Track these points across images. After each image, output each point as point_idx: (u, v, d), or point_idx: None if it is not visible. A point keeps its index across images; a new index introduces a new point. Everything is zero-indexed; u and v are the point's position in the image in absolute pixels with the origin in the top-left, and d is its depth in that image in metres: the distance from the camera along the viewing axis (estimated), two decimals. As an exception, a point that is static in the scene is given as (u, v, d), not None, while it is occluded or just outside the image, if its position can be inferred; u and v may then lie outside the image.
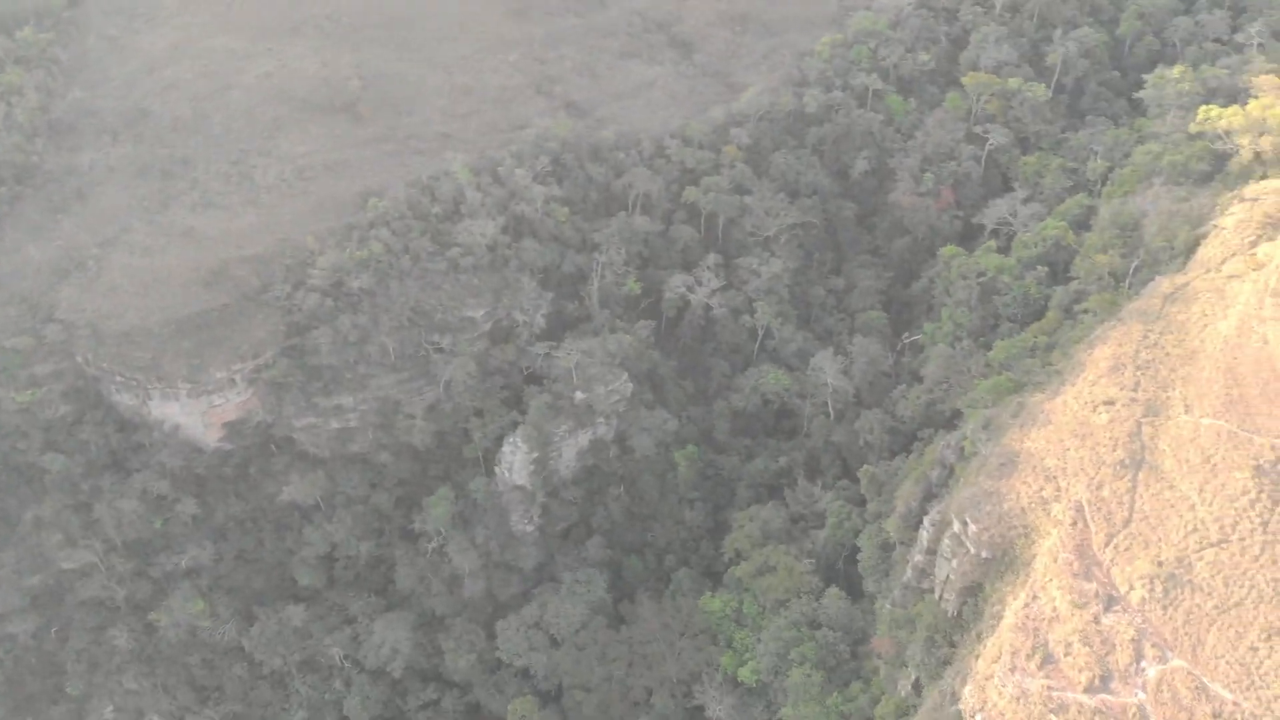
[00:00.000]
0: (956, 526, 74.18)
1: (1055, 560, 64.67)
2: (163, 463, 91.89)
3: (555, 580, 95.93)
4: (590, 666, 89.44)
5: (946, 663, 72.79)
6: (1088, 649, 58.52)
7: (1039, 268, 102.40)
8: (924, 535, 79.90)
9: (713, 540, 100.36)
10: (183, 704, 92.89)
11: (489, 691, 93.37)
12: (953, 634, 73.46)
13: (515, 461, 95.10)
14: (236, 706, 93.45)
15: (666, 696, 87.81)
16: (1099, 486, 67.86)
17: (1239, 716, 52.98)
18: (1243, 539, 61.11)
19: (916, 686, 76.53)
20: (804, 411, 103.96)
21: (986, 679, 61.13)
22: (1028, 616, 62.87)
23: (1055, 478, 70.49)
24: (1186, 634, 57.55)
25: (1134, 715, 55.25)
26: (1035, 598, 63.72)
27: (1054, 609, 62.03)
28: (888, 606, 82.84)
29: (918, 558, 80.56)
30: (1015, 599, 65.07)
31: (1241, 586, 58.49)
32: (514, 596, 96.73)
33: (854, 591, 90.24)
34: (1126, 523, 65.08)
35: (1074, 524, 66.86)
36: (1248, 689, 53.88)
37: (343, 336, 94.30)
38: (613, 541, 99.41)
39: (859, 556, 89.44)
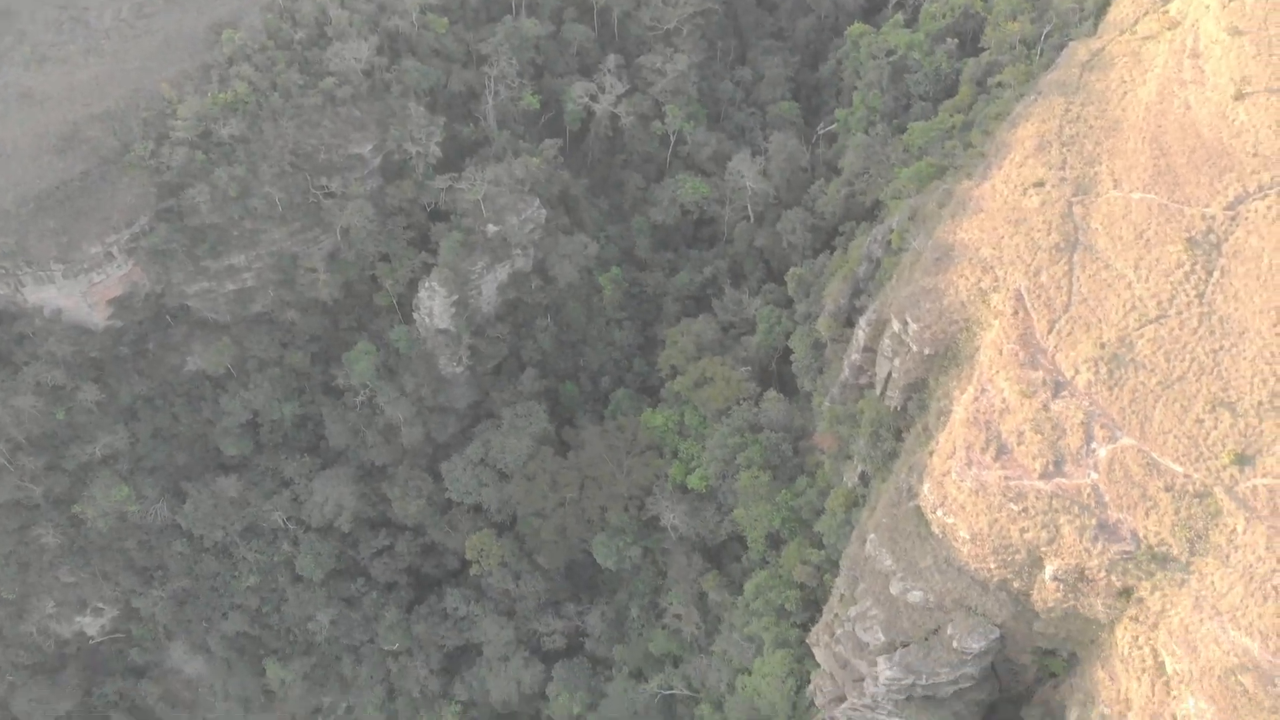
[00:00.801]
0: (896, 326, 74.48)
1: (1000, 352, 65.70)
2: (51, 351, 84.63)
3: (494, 417, 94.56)
4: (542, 494, 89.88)
5: (892, 455, 75.11)
6: (1039, 436, 60.35)
7: (948, 40, 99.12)
8: (860, 334, 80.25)
9: (645, 357, 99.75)
10: (126, 588, 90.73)
11: (443, 531, 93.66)
12: (897, 427, 75.61)
13: (435, 306, 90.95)
14: (184, 582, 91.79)
15: (620, 512, 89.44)
16: (1037, 273, 68.32)
17: (1189, 488, 55.91)
18: (1180, 313, 62.77)
19: (863, 478, 79.19)
20: (724, 218, 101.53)
21: (944, 475, 63.02)
22: (978, 410, 64.33)
23: (992, 268, 70.64)
24: (1134, 412, 59.75)
25: (1088, 495, 57.77)
26: (984, 390, 65.03)
27: (1003, 400, 63.51)
28: (827, 404, 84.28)
29: (854, 356, 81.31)
30: (963, 393, 66.33)
31: (1183, 360, 60.51)
32: (453, 437, 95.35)
33: (789, 391, 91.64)
34: (1067, 307, 66.09)
35: (1015, 313, 67.58)
36: (1196, 460, 56.66)
37: (221, 192, 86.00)
38: (546, 371, 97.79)
39: (792, 358, 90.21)
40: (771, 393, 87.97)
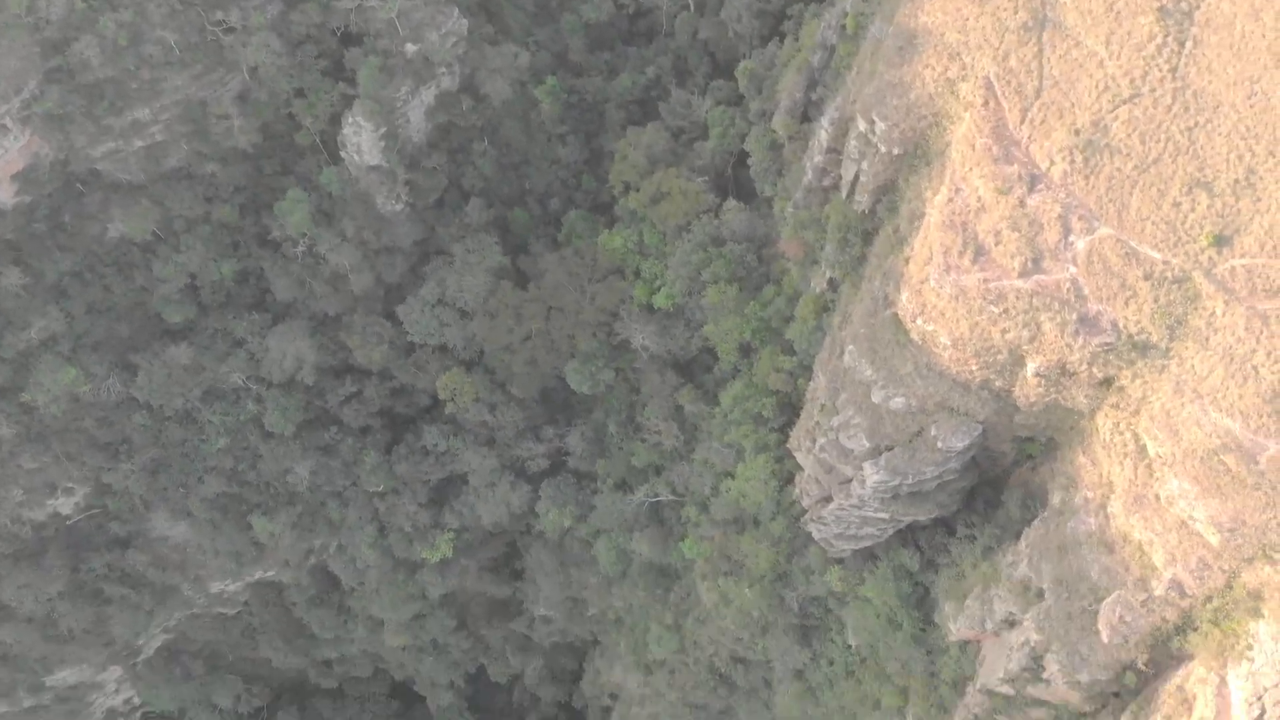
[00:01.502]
0: (862, 126, 71.25)
1: (973, 147, 63.39)
2: (-41, 238, 78.78)
3: (445, 254, 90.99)
4: (507, 329, 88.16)
5: (861, 260, 74.07)
6: (1017, 234, 59.40)
7: None
8: (823, 135, 77.05)
9: (593, 173, 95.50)
10: (93, 466, 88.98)
11: (410, 373, 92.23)
12: (866, 230, 74.15)
13: (362, 142, 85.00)
14: (151, 452, 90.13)
15: (589, 339, 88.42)
16: (1005, 57, 65.01)
17: (1168, 274, 55.98)
18: (1154, 90, 60.63)
19: (832, 284, 78.38)
20: (662, 8, 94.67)
21: (921, 282, 62.26)
22: (953, 212, 62.78)
23: (959, 54, 66.97)
24: (1110, 200, 58.80)
25: (1068, 290, 57.70)
26: (958, 190, 63.23)
27: (978, 199, 61.89)
28: (790, 209, 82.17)
29: (817, 159, 78.37)
30: (936, 194, 64.46)
31: (1158, 142, 59.03)
32: (404, 278, 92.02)
33: (747, 197, 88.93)
34: (1038, 93, 63.44)
35: (985, 104, 64.77)
36: (1175, 246, 56.42)
37: (110, 42, 77.24)
38: (491, 199, 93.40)
39: (749, 161, 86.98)
40: (731, 202, 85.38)
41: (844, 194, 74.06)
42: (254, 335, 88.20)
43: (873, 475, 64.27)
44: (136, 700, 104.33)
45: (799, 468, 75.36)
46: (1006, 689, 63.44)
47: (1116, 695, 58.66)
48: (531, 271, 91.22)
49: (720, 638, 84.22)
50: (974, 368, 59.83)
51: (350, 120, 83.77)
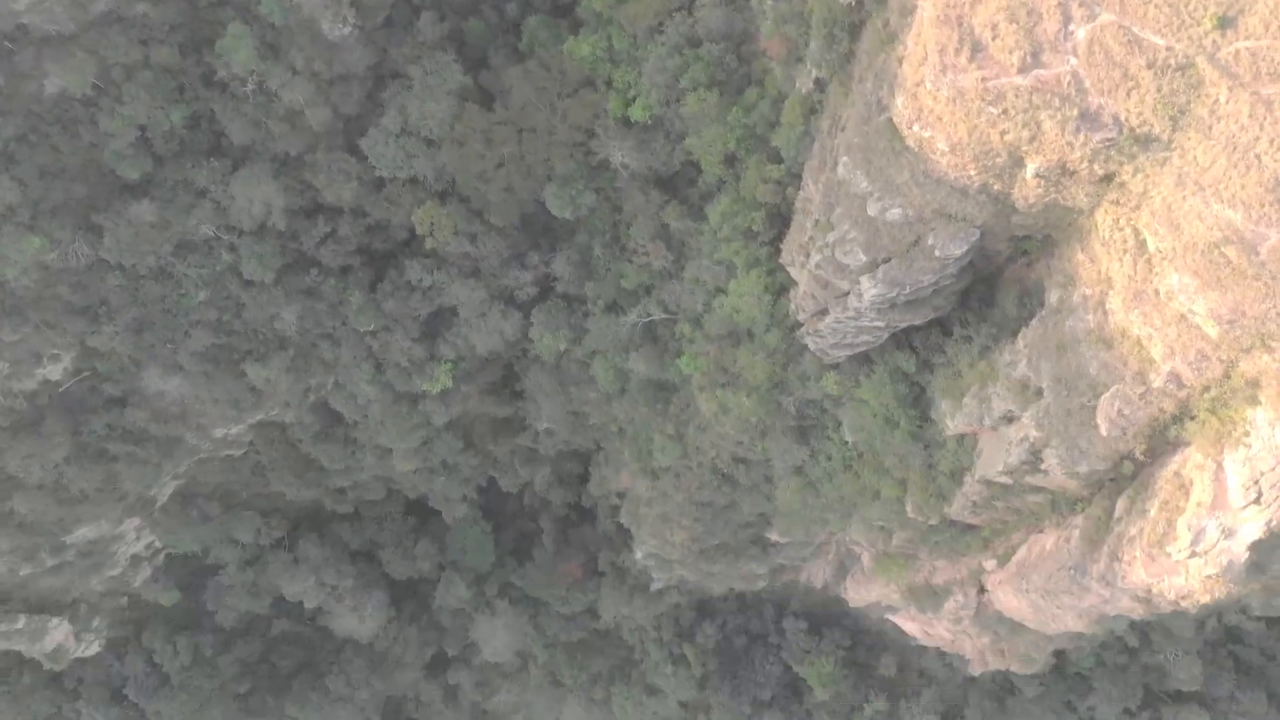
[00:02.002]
0: (845, -89, 66.13)
1: (965, -70, 59.11)
2: (-112, 112, 73.19)
3: (402, 77, 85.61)
4: (479, 155, 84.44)
5: (849, 57, 70.50)
6: (1014, 25, 56.05)
7: None
8: (799, -82, 71.55)
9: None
10: (76, 331, 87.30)
11: (384, 209, 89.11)
12: (852, 24, 70.08)
13: (301, -39, 78.26)
14: (132, 312, 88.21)
15: (565, 160, 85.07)
16: None
17: (1171, 61, 53.54)
18: None
19: (819, 84, 74.94)
20: None
21: (917, 86, 59.28)
22: (947, 4, 59.22)
23: None
24: (1113, -16, 55.46)
25: (1068, 84, 55.30)
26: (951, -18, 59.47)
27: (973, -10, 58.42)
28: (769, 2, 77.31)
29: (795, -55, 73.20)
30: (928, -14, 60.75)
31: (1163, -85, 55.06)
32: (362, 107, 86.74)
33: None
34: None
35: (978, -121, 59.86)
36: (1177, 30, 53.57)
37: None
38: (443, 10, 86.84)
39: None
40: (704, -6, 79.96)
41: (826, -13, 69.59)
42: (216, 184, 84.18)
43: (870, 290, 64.01)
44: (158, 544, 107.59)
45: (792, 281, 75.00)
46: (1004, 479, 66.13)
47: (1113, 480, 61.22)
48: (495, 89, 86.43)
49: (721, 443, 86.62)
50: (972, 172, 58.30)
51: (281, -61, 76.81)
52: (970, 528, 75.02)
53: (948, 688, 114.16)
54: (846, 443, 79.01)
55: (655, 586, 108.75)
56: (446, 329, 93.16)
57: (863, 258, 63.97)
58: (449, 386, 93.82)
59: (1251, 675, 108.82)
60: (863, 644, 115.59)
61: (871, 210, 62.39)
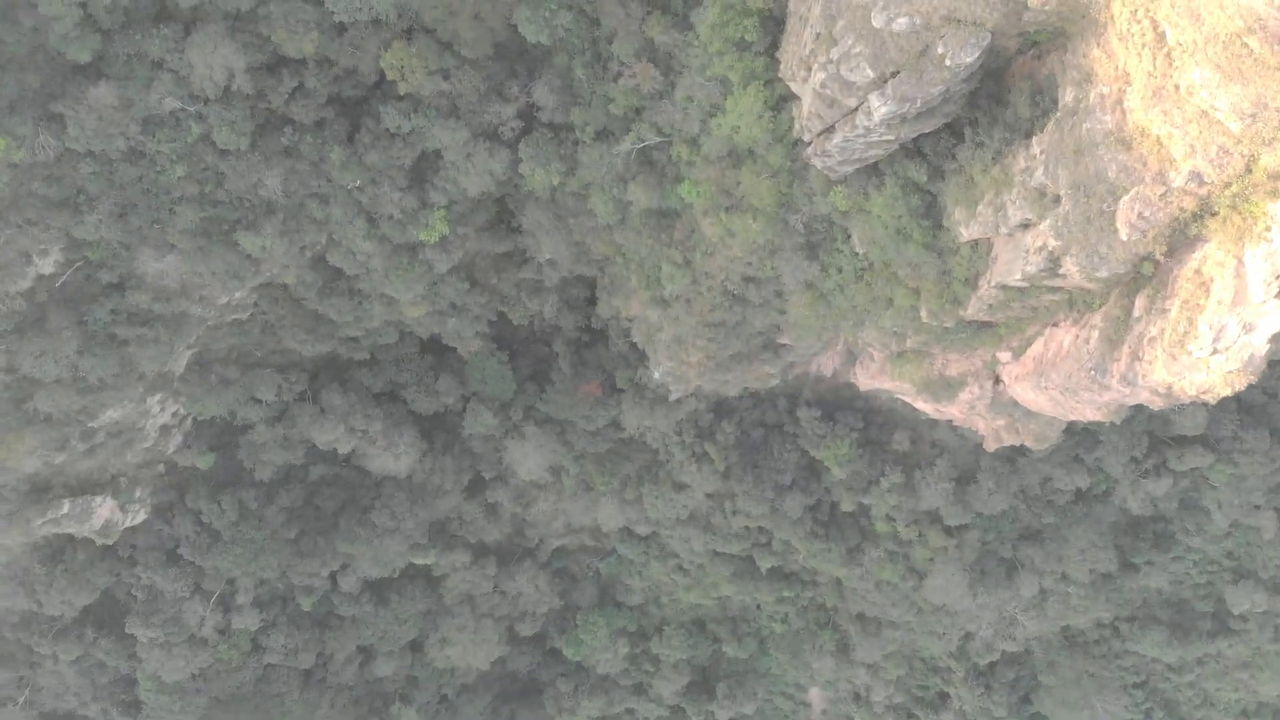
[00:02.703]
0: None
1: None
2: None
3: (348, -92, 78.54)
4: (442, -14, 79.08)
5: None
6: None
7: None
8: None
9: None
10: (59, 225, 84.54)
11: (349, 55, 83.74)
12: None
13: None
14: (112, 196, 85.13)
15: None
16: None
17: None
18: None
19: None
20: None
21: (917, -118, 54.67)
22: None
23: None
24: None
25: None
26: None
27: None
28: None
29: None
30: None
31: None
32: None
33: None
34: None
35: None
36: None
37: None
38: None
39: None
40: None
41: None
42: (171, 52, 78.81)
43: (881, 108, 61.49)
44: (183, 411, 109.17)
45: (791, 93, 71.92)
46: (1022, 284, 66.15)
47: (1132, 279, 61.21)
48: (451, -93, 79.51)
49: (729, 265, 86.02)
50: (980, -22, 54.69)
51: None
52: (985, 325, 75.74)
53: (960, 454, 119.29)
54: (857, 254, 78.44)
55: (674, 397, 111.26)
56: (434, 174, 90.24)
57: (870, 73, 61.06)
58: (446, 233, 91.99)
59: (1254, 414, 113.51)
60: (874, 423, 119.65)
61: (877, 21, 58.96)
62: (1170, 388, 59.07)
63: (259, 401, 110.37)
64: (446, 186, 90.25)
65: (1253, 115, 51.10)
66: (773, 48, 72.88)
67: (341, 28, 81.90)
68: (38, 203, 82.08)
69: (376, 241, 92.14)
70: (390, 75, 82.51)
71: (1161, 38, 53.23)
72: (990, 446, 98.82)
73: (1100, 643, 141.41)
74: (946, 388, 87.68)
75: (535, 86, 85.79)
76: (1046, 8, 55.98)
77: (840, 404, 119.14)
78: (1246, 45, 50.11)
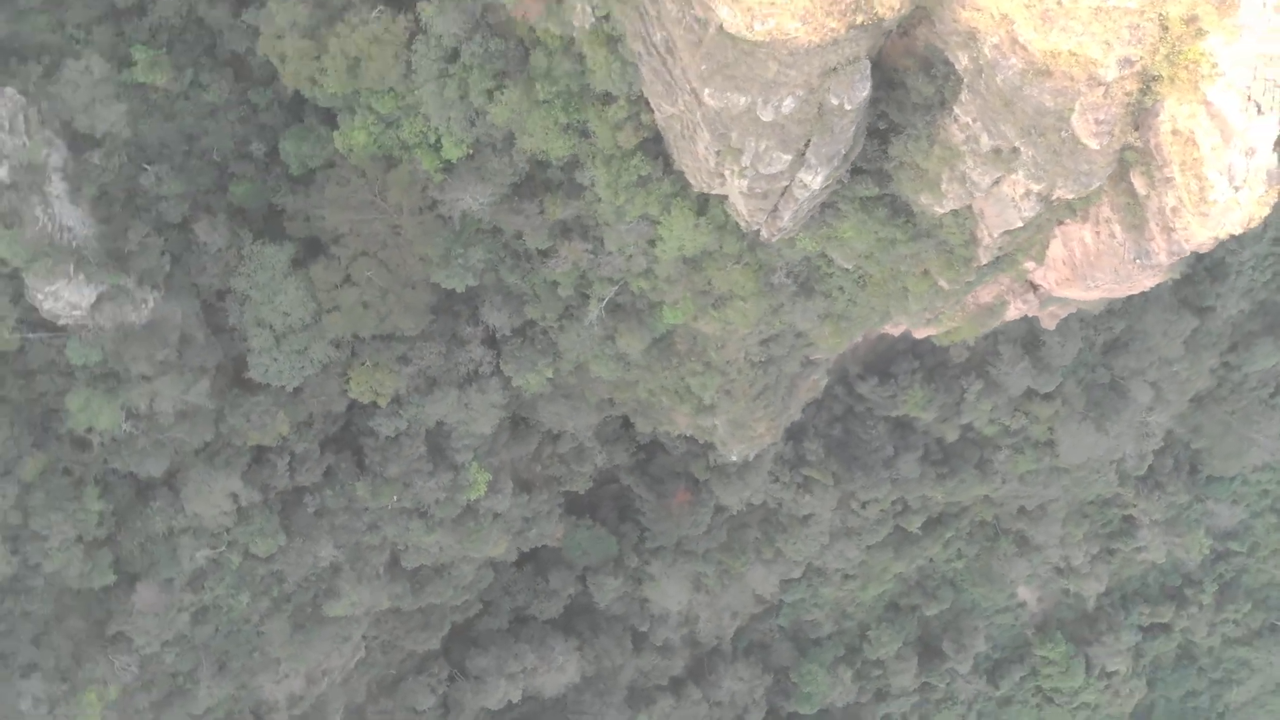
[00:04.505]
0: None
1: None
2: None
3: (235, 294, 77.56)
4: (359, 307, 77.91)
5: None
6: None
7: None
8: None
9: (260, 84, 78.25)
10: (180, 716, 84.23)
11: (315, 403, 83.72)
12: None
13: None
14: (210, 658, 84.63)
15: (429, 239, 78.57)
16: None
17: None
18: None
19: (597, 11, 68.54)
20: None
21: (728, -10, 54.48)
22: (695, -103, 53.31)
23: None
24: None
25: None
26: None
27: None
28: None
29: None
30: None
31: None
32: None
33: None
34: None
35: None
36: None
37: None
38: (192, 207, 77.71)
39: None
40: (425, 6, 70.93)
41: (545, -66, 62.18)
42: (175, 516, 77.80)
43: (815, 178, 61.57)
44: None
45: (724, 200, 71.89)
46: (1022, 225, 66.33)
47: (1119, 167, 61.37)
48: (316, 229, 78.88)
49: (744, 345, 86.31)
50: (833, 23, 54.65)
51: None
52: (999, 255, 75.86)
53: (1014, 331, 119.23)
54: (849, 270, 78.50)
55: (753, 458, 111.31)
56: (447, 440, 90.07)
57: (786, 157, 61.12)
58: (489, 478, 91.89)
59: None
60: (927, 353, 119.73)
61: (766, 116, 58.97)
62: (1215, 236, 59.32)
63: (421, 712, 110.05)
64: (465, 441, 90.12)
65: (1145, -16, 51.30)
66: (668, 163, 72.73)
67: (297, 391, 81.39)
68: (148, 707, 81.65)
69: (438, 530, 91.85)
70: (364, 400, 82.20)
71: (1023, -21, 53.31)
72: (1050, 324, 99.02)
73: (1222, 385, 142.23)
74: (991, 314, 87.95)
75: (482, 314, 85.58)
76: (902, 10, 55.92)
77: (889, 357, 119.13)
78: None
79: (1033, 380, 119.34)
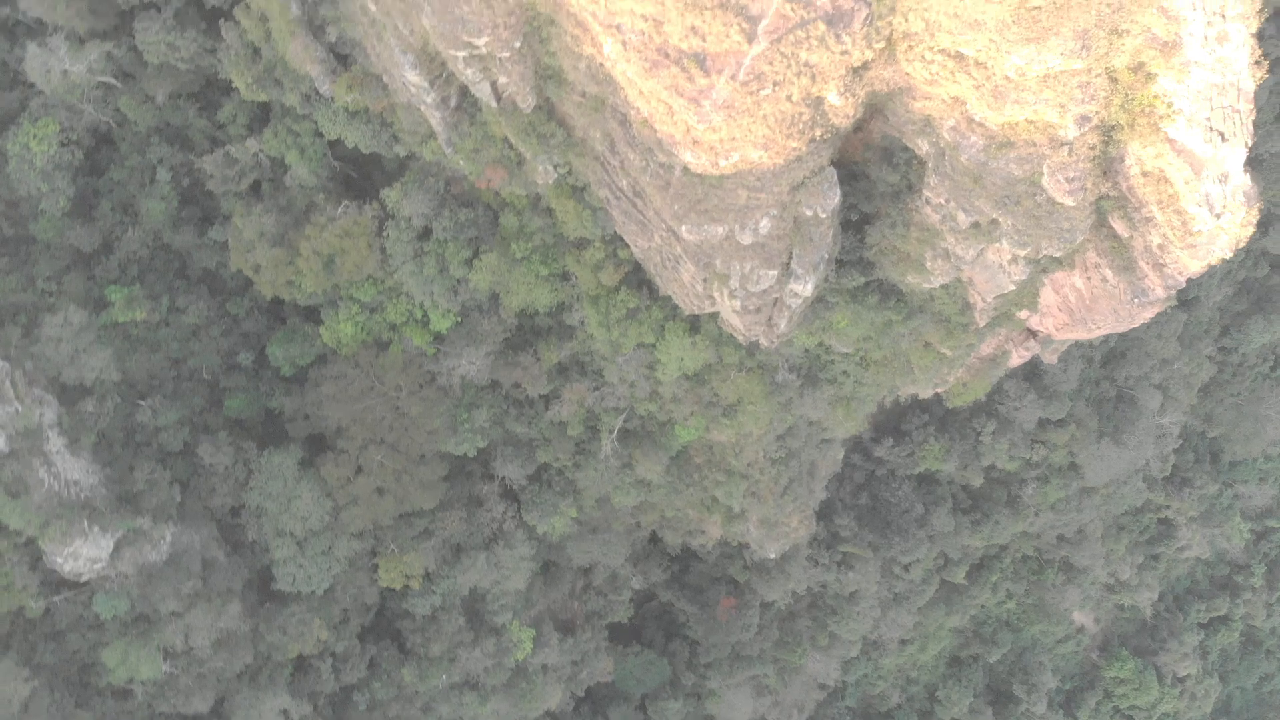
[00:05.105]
0: (458, 53, 58.51)
1: (587, -16, 53.27)
2: None
3: (249, 508, 76.67)
4: (374, 494, 77.08)
5: (570, 140, 64.52)
6: (709, 15, 51.89)
7: None
8: (411, 82, 63.38)
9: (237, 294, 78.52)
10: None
11: (348, 598, 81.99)
12: (553, 119, 63.84)
13: None
14: None
15: (434, 413, 78.38)
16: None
17: (862, -74, 50.40)
18: None
19: (560, 168, 69.43)
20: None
21: (688, 134, 54.26)
22: (635, 48, 53.80)
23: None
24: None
25: (799, 12, 51.98)
26: (617, 27, 53.98)
27: (644, 17, 53.06)
28: (449, 150, 69.69)
29: (429, 98, 65.22)
30: (598, 47, 55.05)
31: None
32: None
33: (387, 177, 75.14)
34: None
35: (547, -66, 53.38)
36: (841, -102, 50.24)
37: None
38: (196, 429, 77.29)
39: (349, 143, 72.17)
40: (391, 193, 71.65)
41: (496, 106, 62.93)
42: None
43: (805, 288, 61.89)
44: None
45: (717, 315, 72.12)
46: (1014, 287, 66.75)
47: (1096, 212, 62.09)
48: (306, 417, 78.34)
49: (761, 445, 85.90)
50: (794, 144, 55.56)
51: None
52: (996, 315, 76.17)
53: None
54: (850, 354, 78.57)
55: (787, 550, 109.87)
56: (484, 604, 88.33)
57: (773, 273, 61.47)
58: (534, 634, 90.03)
59: None
60: (935, 407, 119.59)
61: (746, 240, 59.48)
62: (1208, 263, 59.81)
63: None
64: (501, 601, 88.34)
65: (1082, 45, 52.54)
66: (653, 290, 73.02)
67: (328, 592, 79.63)
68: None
69: (492, 698, 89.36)
70: (395, 585, 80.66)
71: (961, 57, 54.52)
72: (1052, 360, 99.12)
73: (1224, 370, 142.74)
74: (995, 365, 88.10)
75: (495, 468, 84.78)
76: (856, 115, 56.91)
77: (897, 414, 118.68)
78: (1031, 5, 51.67)
79: (1043, 410, 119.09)
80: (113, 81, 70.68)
